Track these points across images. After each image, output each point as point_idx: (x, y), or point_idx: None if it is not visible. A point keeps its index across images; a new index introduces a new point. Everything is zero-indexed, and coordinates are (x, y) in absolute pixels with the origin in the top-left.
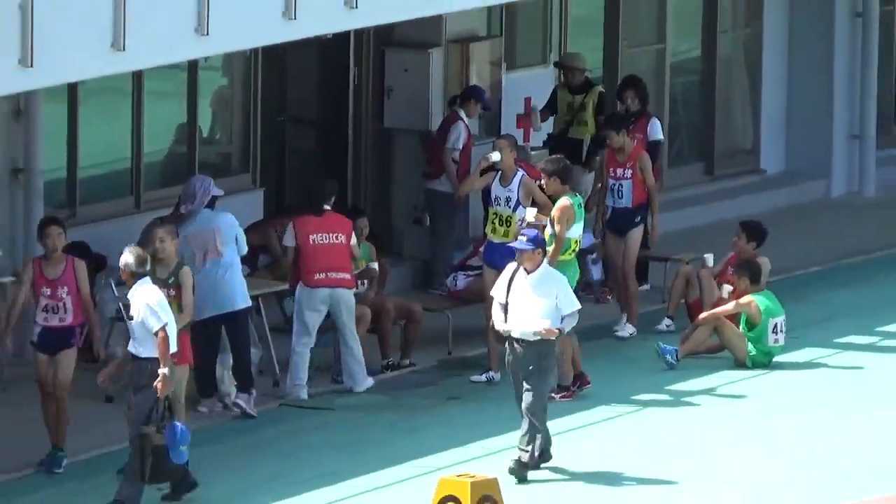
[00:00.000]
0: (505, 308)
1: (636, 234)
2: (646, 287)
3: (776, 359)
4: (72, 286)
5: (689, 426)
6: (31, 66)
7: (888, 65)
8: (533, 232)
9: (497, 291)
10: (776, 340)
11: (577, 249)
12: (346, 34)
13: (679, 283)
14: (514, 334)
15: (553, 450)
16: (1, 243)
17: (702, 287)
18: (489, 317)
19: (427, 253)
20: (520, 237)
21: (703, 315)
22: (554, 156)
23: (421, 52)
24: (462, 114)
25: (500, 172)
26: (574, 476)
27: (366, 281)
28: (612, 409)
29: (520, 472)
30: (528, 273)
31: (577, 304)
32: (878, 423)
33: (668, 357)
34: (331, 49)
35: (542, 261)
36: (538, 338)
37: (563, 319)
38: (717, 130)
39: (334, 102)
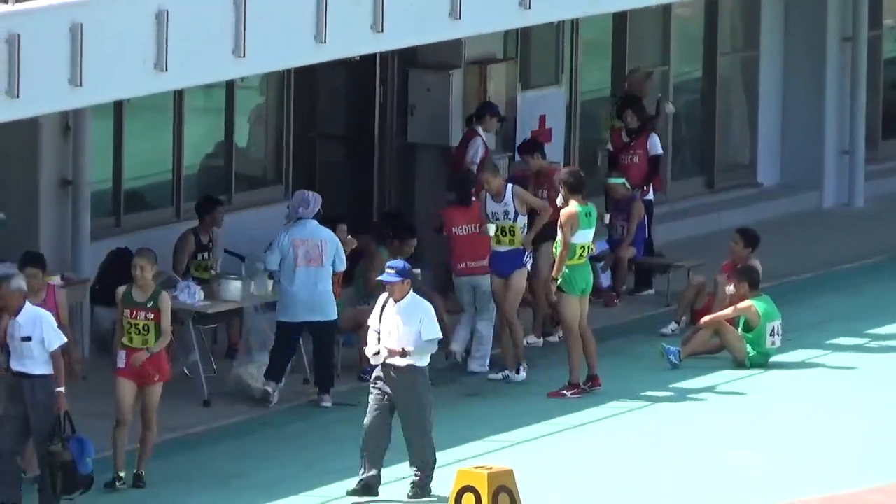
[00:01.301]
0: (378, 335)
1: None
2: (650, 292)
3: (773, 359)
4: (52, 312)
5: (694, 421)
6: (81, 84)
7: (875, 85)
8: (399, 263)
9: (371, 319)
10: (773, 342)
11: (585, 255)
12: (372, 56)
13: (690, 293)
14: (385, 360)
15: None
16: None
17: (716, 292)
18: (500, 320)
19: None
20: (387, 270)
21: (704, 319)
22: (571, 167)
23: (442, 73)
24: (479, 129)
25: (490, 194)
26: (586, 468)
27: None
28: (621, 405)
29: (419, 492)
30: (396, 302)
31: (437, 334)
32: (868, 418)
33: (672, 357)
34: (358, 70)
35: (409, 290)
36: (406, 363)
37: (420, 344)
38: (717, 146)
39: (361, 119)
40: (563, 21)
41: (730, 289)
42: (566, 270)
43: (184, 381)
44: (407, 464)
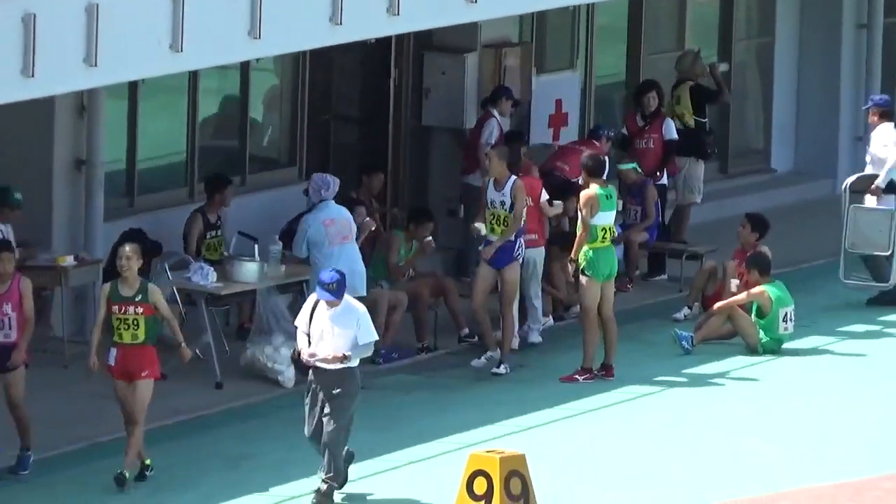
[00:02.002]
0: (308, 337)
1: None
2: (663, 278)
3: (786, 345)
4: (15, 302)
5: (707, 407)
6: (96, 65)
7: (890, 73)
8: (329, 276)
9: (300, 321)
10: (786, 328)
11: (609, 238)
12: (387, 39)
13: (701, 278)
14: (317, 364)
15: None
16: None
17: (725, 279)
18: (477, 304)
19: (461, 242)
20: (323, 289)
21: (717, 304)
22: (592, 151)
23: (457, 56)
24: (495, 112)
25: (493, 179)
26: (598, 453)
27: (411, 270)
28: (633, 391)
29: (323, 500)
30: (330, 307)
31: (373, 336)
32: (881, 405)
33: (685, 343)
34: (373, 52)
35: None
36: (339, 366)
37: (357, 348)
38: (731, 132)
39: (376, 102)
40: (579, 5)
41: (735, 283)
42: (591, 254)
43: (196, 364)
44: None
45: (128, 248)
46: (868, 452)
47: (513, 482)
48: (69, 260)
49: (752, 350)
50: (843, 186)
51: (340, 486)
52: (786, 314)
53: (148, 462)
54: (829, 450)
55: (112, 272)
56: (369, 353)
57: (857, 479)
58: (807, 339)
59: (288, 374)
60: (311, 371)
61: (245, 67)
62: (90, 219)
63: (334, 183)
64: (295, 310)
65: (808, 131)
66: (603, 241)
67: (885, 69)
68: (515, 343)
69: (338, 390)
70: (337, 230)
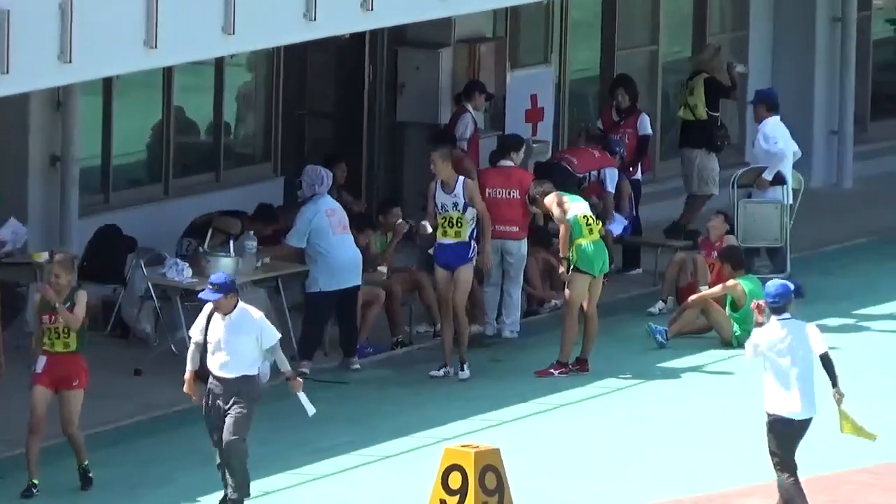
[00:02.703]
0: (203, 347)
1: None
2: (638, 271)
3: None
4: None
5: (682, 401)
6: (70, 61)
7: (864, 66)
8: (221, 278)
9: (194, 330)
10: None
11: (594, 228)
12: (362, 34)
13: (672, 270)
14: (215, 373)
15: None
16: None
17: (696, 271)
18: (442, 314)
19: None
20: (208, 286)
21: (691, 298)
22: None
23: (431, 52)
24: (469, 106)
25: (440, 181)
26: (574, 447)
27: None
28: (608, 384)
29: None
30: (225, 315)
31: (276, 335)
32: (854, 399)
33: (659, 336)
34: (348, 48)
35: (237, 302)
36: (238, 375)
37: (268, 353)
38: None
39: (350, 97)
40: (553, 0)
41: (704, 289)
42: (587, 248)
43: (171, 359)
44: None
45: (57, 264)
46: (842, 446)
47: (488, 476)
48: (44, 256)
49: (726, 343)
50: (731, 181)
51: (248, 496)
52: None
53: (36, 482)
54: (804, 443)
55: (88, 269)
56: (280, 355)
57: (831, 472)
58: None
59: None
60: (209, 381)
61: (219, 63)
62: (65, 215)
63: (328, 177)
64: (269, 306)
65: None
66: (591, 234)
67: (859, 63)
68: (490, 330)
69: (238, 398)
70: (338, 220)
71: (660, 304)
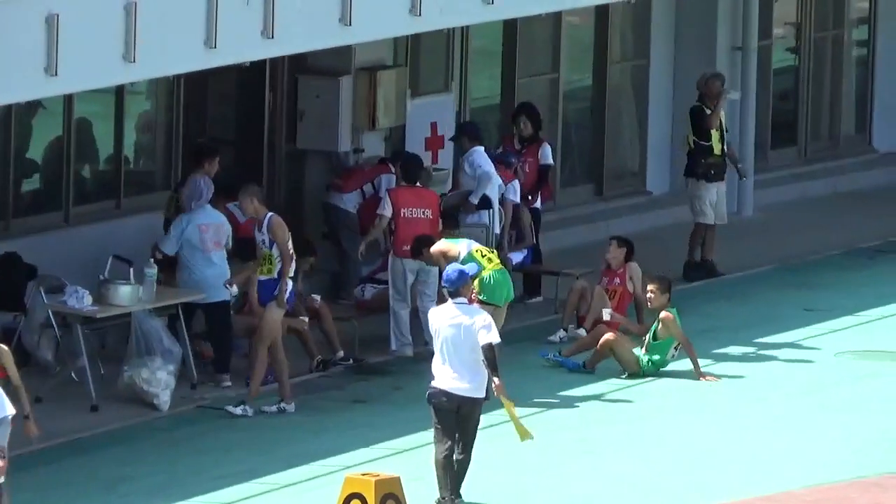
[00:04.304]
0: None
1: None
2: (538, 299)
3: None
4: None
5: (582, 429)
6: None
7: (765, 95)
8: None
9: None
10: (673, 355)
11: (492, 258)
12: (262, 62)
13: (573, 298)
14: None
15: None
16: None
17: (592, 303)
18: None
19: (335, 265)
20: None
21: (608, 337)
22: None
23: (331, 79)
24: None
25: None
26: (472, 476)
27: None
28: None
29: None
30: None
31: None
32: (754, 427)
33: (552, 356)
34: (248, 75)
35: None
36: None
37: None
38: (607, 154)
39: (251, 124)
40: (454, 28)
41: (607, 312)
42: (487, 278)
43: (71, 386)
44: None
45: None
46: (740, 474)
47: None
48: None
49: (630, 374)
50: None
51: None
52: (677, 343)
53: None
54: (700, 471)
55: None
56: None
57: (729, 500)
58: (682, 361)
59: (164, 398)
60: None
61: (120, 91)
62: None
63: (208, 190)
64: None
65: (682, 154)
66: (490, 263)
67: (760, 91)
68: (409, 351)
69: None
70: (211, 236)
71: (560, 333)
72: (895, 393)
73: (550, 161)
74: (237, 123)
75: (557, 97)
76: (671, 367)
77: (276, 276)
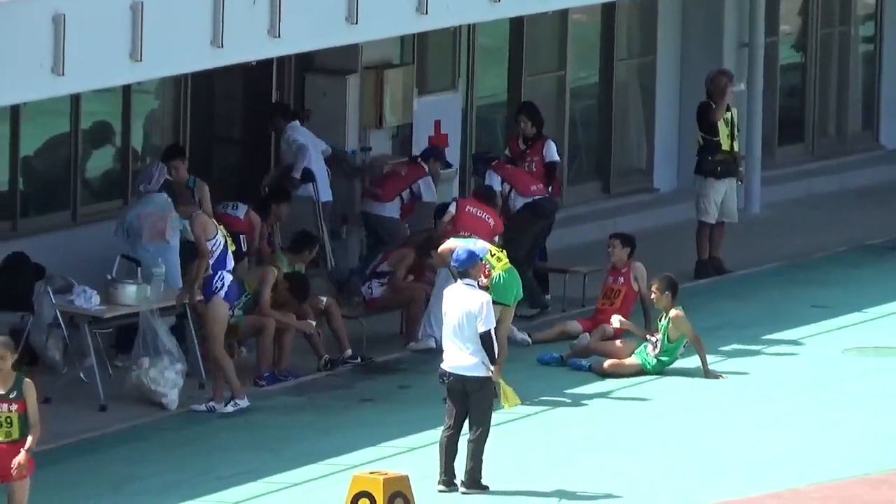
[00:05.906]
0: None
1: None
2: (547, 297)
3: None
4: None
5: (590, 426)
6: None
7: (772, 91)
8: None
9: None
10: (681, 352)
11: (501, 257)
12: (269, 61)
13: (552, 334)
14: None
15: None
16: None
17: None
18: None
19: (345, 263)
20: None
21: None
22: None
23: (338, 78)
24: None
25: None
26: (483, 473)
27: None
28: (514, 411)
29: None
30: None
31: None
32: (761, 425)
33: (548, 360)
34: (255, 74)
35: None
36: None
37: None
38: (614, 151)
39: (258, 124)
40: (460, 26)
41: (617, 319)
42: (497, 277)
43: (80, 386)
44: None
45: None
46: (750, 472)
47: (396, 503)
48: None
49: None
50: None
51: None
52: (685, 341)
53: None
54: (710, 469)
55: None
56: None
57: (739, 498)
58: (689, 358)
59: (172, 397)
60: None
61: (127, 90)
62: None
63: (159, 174)
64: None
65: (690, 150)
66: (500, 262)
67: (767, 88)
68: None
69: None
70: (151, 224)
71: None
72: None
73: (556, 157)
74: (244, 122)
75: (564, 95)
76: (677, 364)
77: (210, 271)
